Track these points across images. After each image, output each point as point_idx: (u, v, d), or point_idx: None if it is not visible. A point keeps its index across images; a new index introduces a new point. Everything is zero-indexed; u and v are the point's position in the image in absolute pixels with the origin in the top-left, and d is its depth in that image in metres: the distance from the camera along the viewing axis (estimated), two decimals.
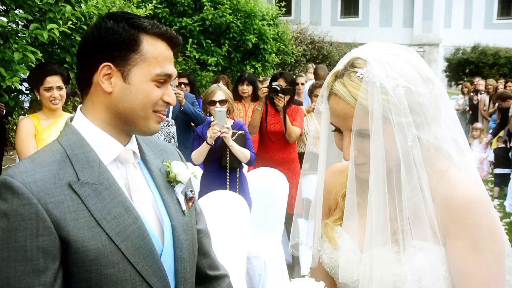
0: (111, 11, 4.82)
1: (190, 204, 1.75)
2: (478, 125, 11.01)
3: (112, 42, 1.51)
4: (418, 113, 1.50)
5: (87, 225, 1.44)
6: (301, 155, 6.08)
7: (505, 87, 11.54)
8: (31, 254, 1.37)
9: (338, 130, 1.59)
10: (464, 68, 27.94)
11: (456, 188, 1.52)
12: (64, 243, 1.41)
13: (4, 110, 6.55)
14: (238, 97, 6.38)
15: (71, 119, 1.61)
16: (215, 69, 9.03)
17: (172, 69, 1.58)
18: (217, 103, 4.77)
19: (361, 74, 1.48)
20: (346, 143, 1.55)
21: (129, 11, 1.63)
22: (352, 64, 1.53)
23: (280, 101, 5.70)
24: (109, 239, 1.45)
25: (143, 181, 1.65)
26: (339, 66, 1.58)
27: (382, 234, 1.53)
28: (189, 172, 1.74)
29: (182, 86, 7.06)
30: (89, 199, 1.46)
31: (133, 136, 1.65)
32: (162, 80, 1.56)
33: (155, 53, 1.54)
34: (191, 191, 1.77)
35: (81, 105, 1.62)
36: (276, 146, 5.86)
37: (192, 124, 6.48)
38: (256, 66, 9.55)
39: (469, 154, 1.63)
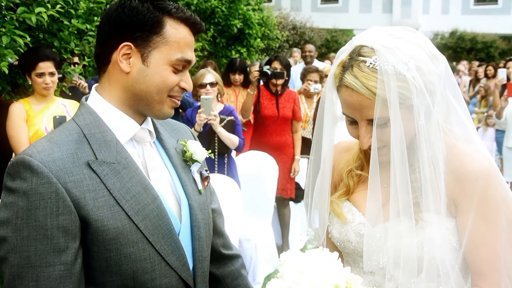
0: None
1: (206, 183, 1.75)
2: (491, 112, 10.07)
3: (135, 22, 1.48)
4: (430, 91, 1.51)
5: (106, 204, 1.43)
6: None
7: (485, 71, 11.61)
8: (51, 233, 1.36)
9: (352, 121, 1.59)
10: (442, 53, 27.95)
11: (465, 160, 1.55)
12: (84, 222, 1.40)
13: None
14: (228, 83, 6.28)
15: (86, 98, 1.59)
16: (201, 54, 8.96)
17: (192, 56, 1.56)
18: (208, 86, 4.75)
19: (370, 63, 1.48)
20: (362, 132, 1.56)
21: None
22: (358, 53, 1.52)
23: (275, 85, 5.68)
24: (128, 218, 1.45)
25: (159, 160, 1.65)
26: (343, 55, 1.56)
27: (394, 207, 1.55)
28: (205, 152, 1.74)
29: None
30: (108, 178, 1.45)
31: None
32: (182, 66, 1.54)
33: (177, 38, 1.51)
34: (206, 170, 1.77)
35: (96, 84, 1.60)
36: (271, 130, 5.83)
37: (180, 110, 6.44)
38: (241, 51, 9.48)
39: (473, 129, 1.64)
